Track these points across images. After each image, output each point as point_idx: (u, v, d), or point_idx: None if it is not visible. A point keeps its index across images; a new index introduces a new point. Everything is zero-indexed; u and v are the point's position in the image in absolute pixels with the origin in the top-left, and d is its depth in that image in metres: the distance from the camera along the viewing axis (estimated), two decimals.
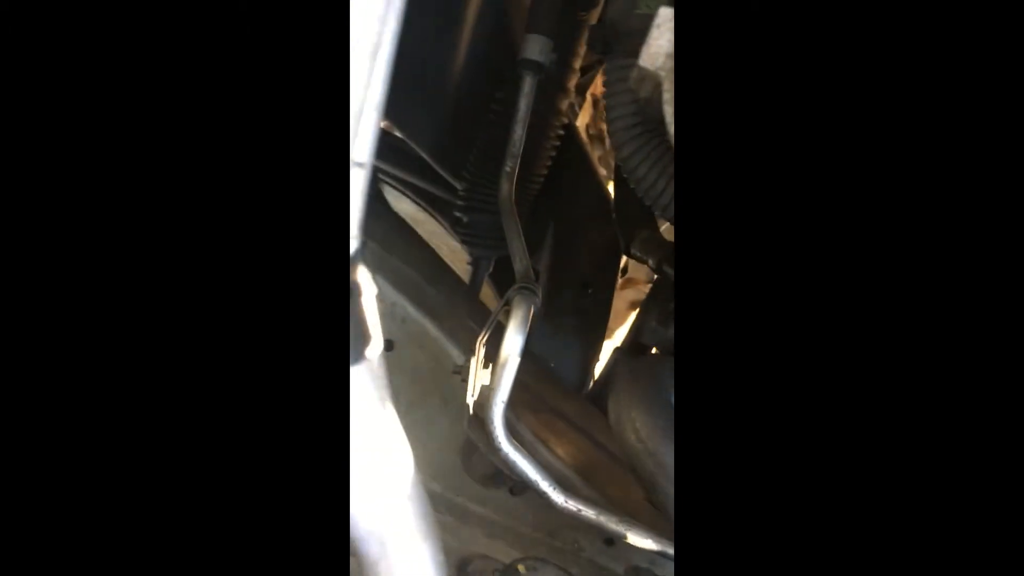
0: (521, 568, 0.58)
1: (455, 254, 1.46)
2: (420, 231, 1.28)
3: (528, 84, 0.77)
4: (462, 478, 0.70)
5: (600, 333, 0.96)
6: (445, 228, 1.05)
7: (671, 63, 0.38)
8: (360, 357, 0.27)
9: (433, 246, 1.44)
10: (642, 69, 0.39)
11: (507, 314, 0.60)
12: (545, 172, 0.93)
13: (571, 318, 0.94)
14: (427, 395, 0.70)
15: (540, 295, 0.61)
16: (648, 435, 0.43)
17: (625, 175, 0.55)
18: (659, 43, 0.38)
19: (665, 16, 0.38)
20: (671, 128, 0.39)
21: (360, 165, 0.29)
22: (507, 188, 0.77)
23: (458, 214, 0.92)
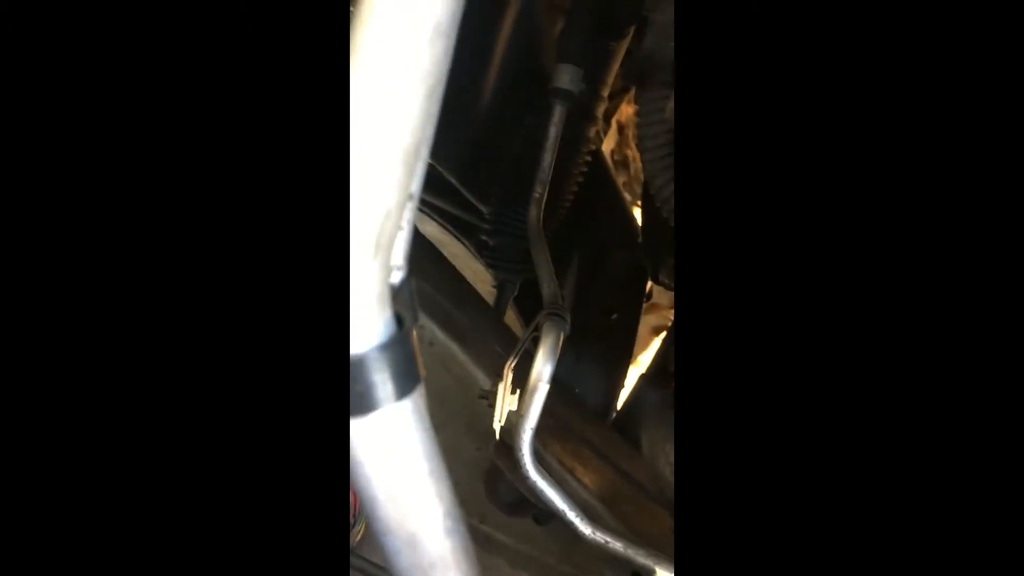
0: None
1: (477, 275, 1.47)
2: (445, 253, 1.29)
3: (558, 112, 0.78)
4: (486, 505, 0.69)
5: (625, 359, 0.96)
6: (469, 251, 1.05)
7: None
8: (408, 393, 0.27)
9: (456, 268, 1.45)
10: None
11: (535, 340, 0.60)
12: (572, 197, 0.93)
13: (595, 344, 0.94)
14: (452, 419, 0.70)
15: (569, 321, 0.61)
16: None
17: (658, 204, 0.55)
18: None
19: None
20: None
21: (411, 197, 0.29)
22: (535, 213, 0.78)
23: (484, 238, 0.93)
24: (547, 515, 0.63)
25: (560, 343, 0.57)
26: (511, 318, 1.10)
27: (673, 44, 0.51)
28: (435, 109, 0.26)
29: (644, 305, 1.10)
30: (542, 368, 0.55)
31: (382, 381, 0.26)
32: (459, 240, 1.07)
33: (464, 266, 1.46)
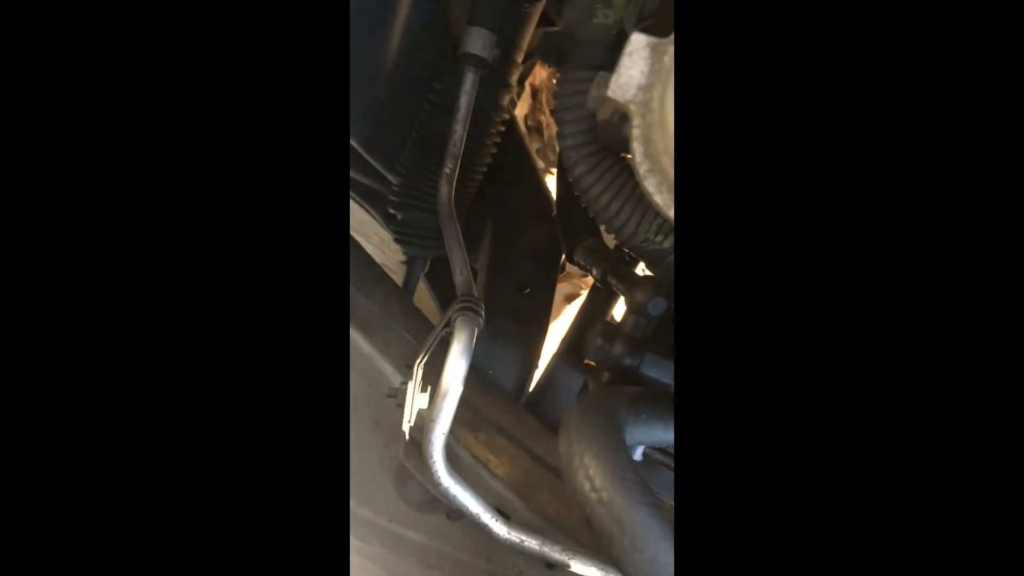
0: None
1: (385, 243, 1.39)
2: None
3: (470, 80, 0.72)
4: (395, 503, 0.66)
5: (540, 337, 0.94)
6: (375, 219, 0.99)
7: (642, 96, 0.35)
8: None
9: (360, 235, 1.36)
10: (610, 100, 0.36)
11: (447, 335, 0.56)
12: (484, 170, 0.88)
13: (509, 322, 0.91)
14: (358, 416, 0.66)
15: (483, 314, 0.58)
16: (603, 483, 0.41)
17: (577, 193, 0.52)
18: (630, 73, 0.35)
19: (637, 44, 0.35)
20: (640, 166, 0.35)
21: None
22: (446, 191, 0.73)
23: (392, 211, 0.87)
24: (459, 512, 0.61)
25: (474, 340, 0.54)
26: (422, 293, 1.05)
27: (596, 21, 0.47)
28: None
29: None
30: (455, 369, 0.52)
31: None
32: (364, 208, 1.00)
33: (371, 232, 1.38)
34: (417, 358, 0.59)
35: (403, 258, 0.94)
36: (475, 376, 0.80)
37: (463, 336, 0.53)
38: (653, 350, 0.66)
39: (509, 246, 0.99)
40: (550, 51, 0.49)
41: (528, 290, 0.95)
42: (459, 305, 0.57)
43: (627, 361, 0.66)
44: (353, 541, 0.64)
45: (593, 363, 0.69)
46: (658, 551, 0.40)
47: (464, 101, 0.72)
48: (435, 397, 0.53)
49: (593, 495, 0.41)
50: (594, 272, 0.76)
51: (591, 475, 0.42)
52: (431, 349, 0.57)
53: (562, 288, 1.37)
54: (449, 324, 0.56)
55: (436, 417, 0.52)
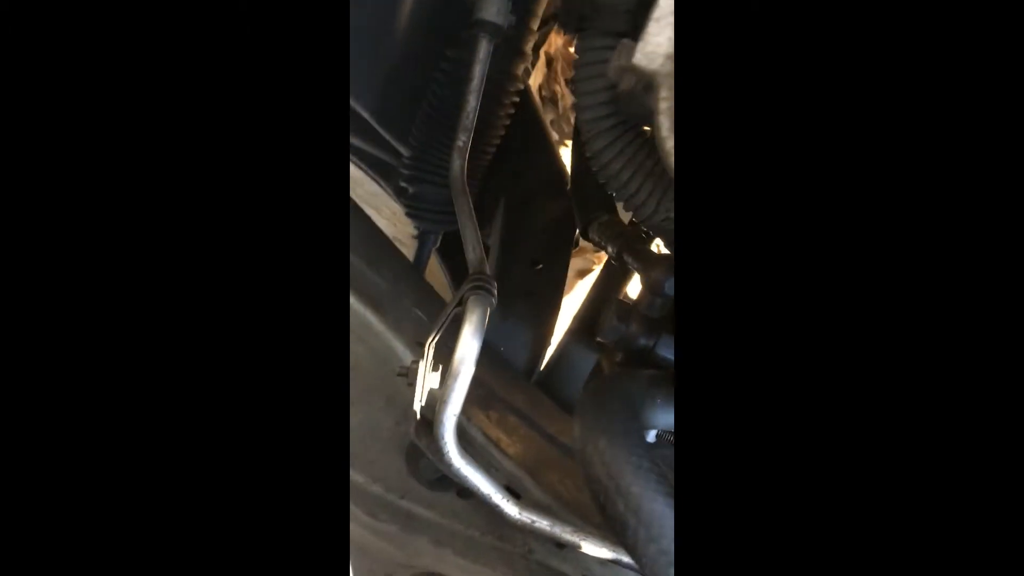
0: None
1: (396, 216, 1.37)
2: (358, 192, 1.19)
3: (484, 48, 0.69)
4: (407, 481, 0.66)
5: (552, 314, 0.93)
6: (387, 192, 0.97)
7: (670, 65, 0.33)
8: None
9: (371, 208, 1.34)
10: (635, 69, 0.34)
11: (459, 314, 0.55)
12: (498, 142, 0.86)
13: (521, 298, 0.90)
14: (370, 393, 0.65)
15: (496, 292, 0.56)
16: (618, 470, 0.40)
17: (594, 168, 0.50)
18: (657, 40, 0.32)
19: (665, 8, 0.32)
20: (666, 141, 0.33)
21: None
22: (459, 165, 0.70)
23: (404, 184, 0.85)
24: (470, 490, 0.61)
25: (487, 320, 0.52)
26: (433, 268, 1.04)
27: None
28: None
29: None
30: (467, 350, 0.50)
31: None
32: (375, 180, 0.98)
33: (382, 206, 1.36)
34: (428, 336, 0.58)
35: (415, 232, 0.93)
36: (486, 353, 0.79)
37: (475, 316, 0.52)
38: (669, 331, 0.64)
39: (522, 221, 0.97)
40: (569, 17, 0.47)
41: (541, 266, 0.93)
42: (471, 283, 0.55)
43: (642, 342, 0.64)
44: (364, 518, 0.64)
45: (606, 342, 0.68)
46: (673, 542, 0.39)
47: (478, 71, 0.70)
48: (446, 377, 0.52)
49: (609, 482, 0.40)
50: (609, 249, 0.74)
51: (606, 461, 0.41)
52: (443, 328, 0.56)
53: (574, 263, 1.35)
54: (461, 303, 0.54)
55: (447, 398, 0.51)
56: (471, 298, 0.53)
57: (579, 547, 0.57)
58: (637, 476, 0.39)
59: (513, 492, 0.57)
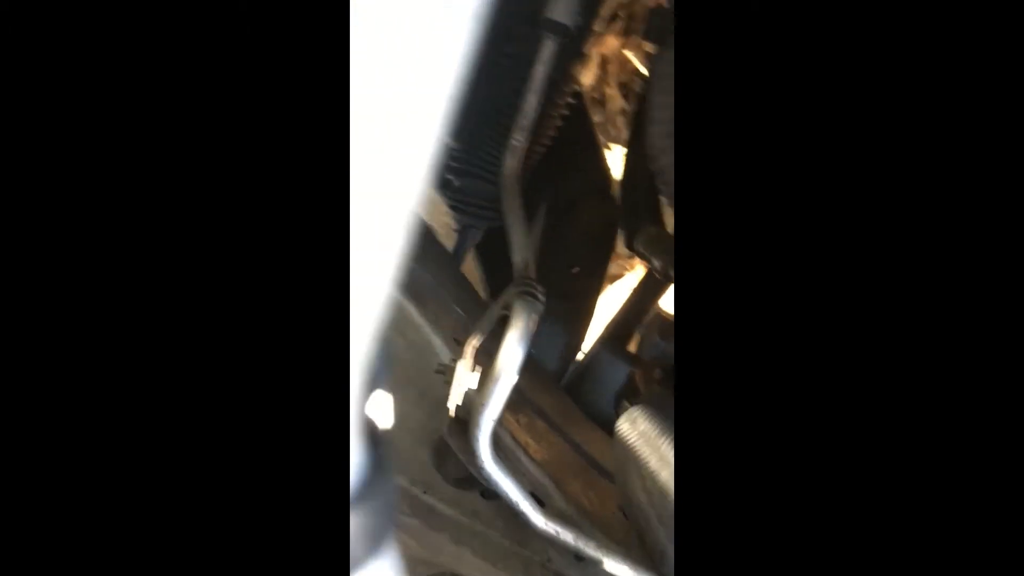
0: None
1: (433, 205, 1.37)
2: None
3: (548, 48, 0.68)
4: (432, 475, 0.66)
5: (586, 319, 0.92)
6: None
7: None
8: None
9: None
10: None
11: (504, 317, 0.54)
12: (548, 143, 0.85)
13: (558, 303, 0.89)
14: (405, 385, 0.65)
15: (543, 299, 0.56)
16: (659, 497, 0.39)
17: (658, 184, 0.49)
18: None
19: None
20: None
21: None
22: (513, 164, 0.70)
23: (449, 176, 0.84)
24: (494, 491, 0.60)
25: (533, 327, 0.52)
26: (468, 264, 1.03)
27: None
28: None
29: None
30: (510, 356, 0.50)
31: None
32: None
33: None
34: (467, 333, 0.57)
35: (455, 225, 0.92)
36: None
37: (522, 322, 0.52)
38: None
39: (563, 223, 0.96)
40: (655, 29, 0.46)
41: (577, 269, 0.93)
42: (519, 288, 0.55)
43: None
44: None
45: (644, 358, 0.67)
46: None
47: (540, 72, 0.69)
48: (486, 381, 0.51)
49: (650, 510, 0.39)
50: (655, 263, 0.73)
51: (648, 487, 0.40)
52: (488, 330, 0.55)
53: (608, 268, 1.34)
54: (508, 307, 0.54)
55: (486, 402, 0.51)
56: (518, 303, 0.53)
57: (601, 563, 0.57)
58: None
59: (538, 499, 0.57)
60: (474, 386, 0.53)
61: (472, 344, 0.55)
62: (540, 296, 0.55)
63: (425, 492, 0.66)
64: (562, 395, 0.80)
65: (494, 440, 0.64)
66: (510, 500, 0.54)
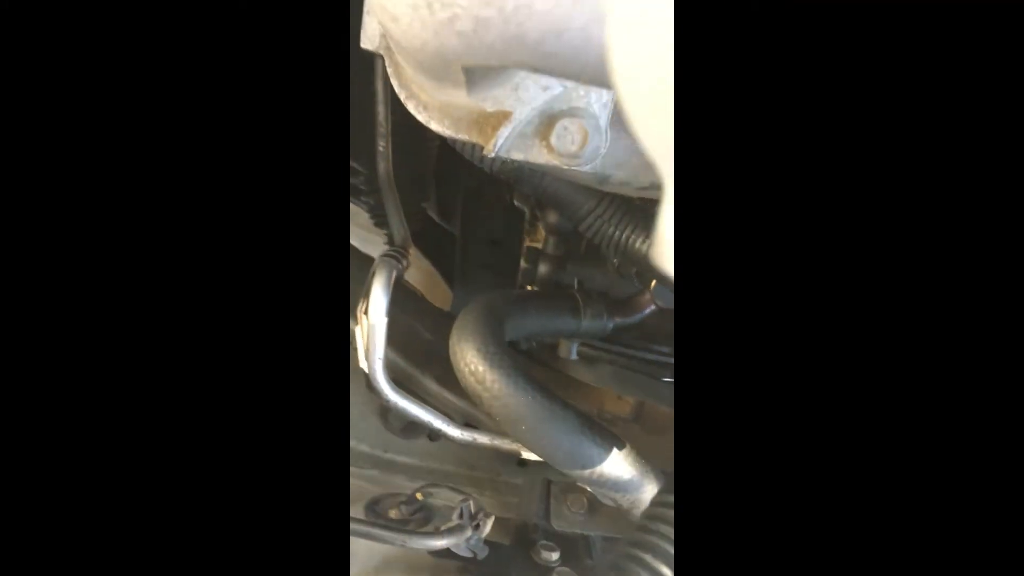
0: (419, 495, 0.66)
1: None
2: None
3: (380, 64, 0.81)
4: (386, 436, 0.78)
5: (509, 284, 1.03)
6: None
7: None
8: None
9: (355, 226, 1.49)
10: None
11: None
12: (438, 142, 0.97)
13: (484, 271, 1.01)
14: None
15: (405, 260, 0.68)
16: (485, 375, 0.49)
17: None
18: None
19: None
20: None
21: None
22: (384, 167, 0.83)
23: (364, 199, 0.98)
24: (437, 431, 0.72)
25: (392, 280, 0.64)
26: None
27: None
28: None
29: None
30: (376, 302, 0.62)
31: None
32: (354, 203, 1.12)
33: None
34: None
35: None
36: (445, 319, 0.90)
37: (382, 276, 0.64)
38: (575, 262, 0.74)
39: (479, 208, 1.08)
40: None
41: (497, 242, 1.04)
42: (383, 253, 0.67)
43: (554, 279, 0.74)
44: (352, 470, 0.76)
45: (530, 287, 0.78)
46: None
47: (380, 85, 0.82)
48: (366, 330, 0.63)
49: (479, 388, 0.50)
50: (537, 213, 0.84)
51: (473, 369, 0.51)
52: (369, 295, 0.68)
53: None
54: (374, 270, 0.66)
55: (372, 346, 0.63)
56: (380, 263, 0.65)
57: (519, 454, 0.67)
58: (503, 377, 0.49)
59: (450, 416, 0.68)
60: (365, 340, 0.65)
61: (360, 309, 0.67)
62: (401, 258, 0.67)
63: (386, 451, 0.78)
64: None
65: (421, 388, 0.76)
66: (423, 420, 0.66)
